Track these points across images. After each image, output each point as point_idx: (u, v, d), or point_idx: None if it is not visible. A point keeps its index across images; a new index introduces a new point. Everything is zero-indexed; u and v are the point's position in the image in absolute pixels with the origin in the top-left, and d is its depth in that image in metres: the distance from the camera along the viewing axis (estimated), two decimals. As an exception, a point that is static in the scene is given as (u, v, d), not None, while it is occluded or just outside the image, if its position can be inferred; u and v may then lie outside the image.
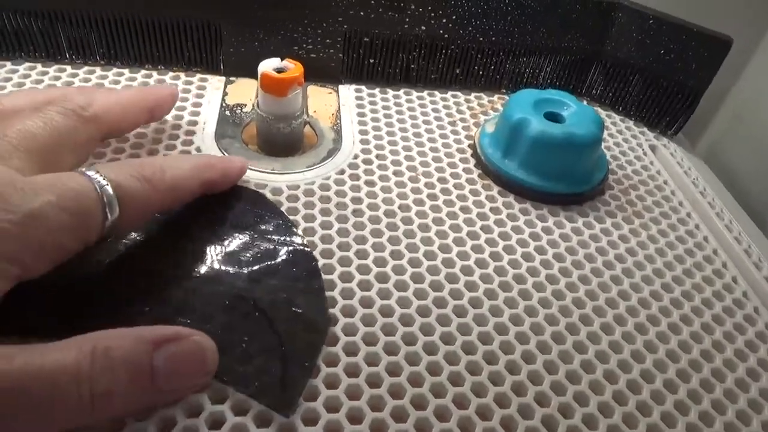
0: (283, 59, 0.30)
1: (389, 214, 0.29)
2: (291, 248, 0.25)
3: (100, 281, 0.22)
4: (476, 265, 0.27)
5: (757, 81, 0.48)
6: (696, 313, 0.26)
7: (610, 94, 0.40)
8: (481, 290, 0.26)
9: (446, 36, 0.37)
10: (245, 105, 0.34)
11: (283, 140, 0.31)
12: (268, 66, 0.30)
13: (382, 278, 0.25)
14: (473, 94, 0.39)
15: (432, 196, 0.30)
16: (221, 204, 0.26)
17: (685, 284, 0.28)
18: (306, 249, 0.25)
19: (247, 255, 0.24)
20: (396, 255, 0.26)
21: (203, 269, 0.23)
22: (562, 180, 0.31)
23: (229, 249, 0.24)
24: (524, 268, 0.27)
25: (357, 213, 0.28)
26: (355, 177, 0.30)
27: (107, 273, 0.23)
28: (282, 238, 0.25)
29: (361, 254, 0.26)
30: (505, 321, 0.24)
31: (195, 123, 0.32)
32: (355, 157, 0.32)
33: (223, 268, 0.23)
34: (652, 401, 0.22)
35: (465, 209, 0.30)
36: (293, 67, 0.30)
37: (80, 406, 0.16)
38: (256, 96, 0.31)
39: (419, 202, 0.30)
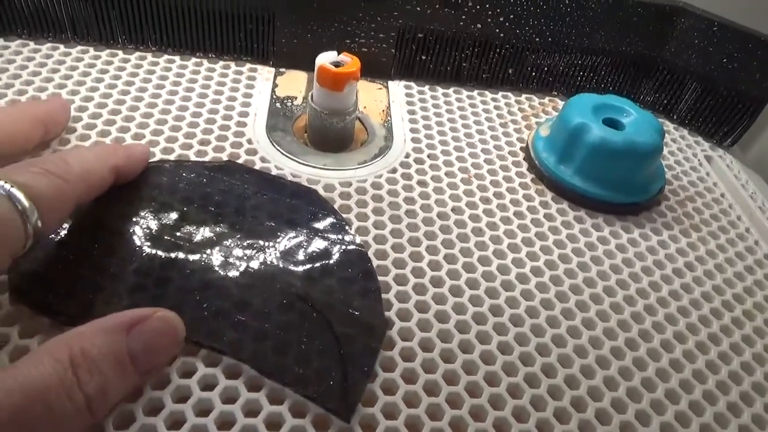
0: (340, 53, 0.30)
1: (442, 216, 0.28)
2: (345, 248, 0.25)
3: (155, 271, 0.22)
4: (532, 273, 0.26)
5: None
6: (758, 334, 0.26)
7: (665, 101, 0.39)
8: (537, 299, 0.25)
9: (501, 35, 0.36)
10: (296, 98, 0.34)
11: (336, 136, 0.31)
12: (325, 59, 0.29)
13: (437, 282, 0.25)
14: (524, 96, 0.38)
15: (485, 200, 0.30)
16: (275, 200, 0.26)
17: (745, 303, 0.27)
18: (361, 249, 0.25)
19: (303, 253, 0.24)
20: (450, 259, 0.26)
21: (258, 265, 0.23)
22: (619, 189, 0.30)
23: (284, 246, 0.24)
24: (580, 279, 0.26)
25: (410, 214, 0.28)
26: (407, 176, 0.30)
27: (163, 264, 0.22)
28: (336, 237, 0.25)
29: (415, 257, 0.26)
30: (563, 332, 0.24)
31: (246, 114, 0.32)
32: (407, 156, 0.31)
33: (279, 265, 0.23)
34: (726, 413, 0.22)
35: (519, 214, 0.29)
36: (350, 62, 0.29)
37: (79, 413, 0.16)
38: (309, 89, 0.30)
39: (472, 205, 0.29)
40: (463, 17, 0.35)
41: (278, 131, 0.31)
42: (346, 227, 0.26)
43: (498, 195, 0.30)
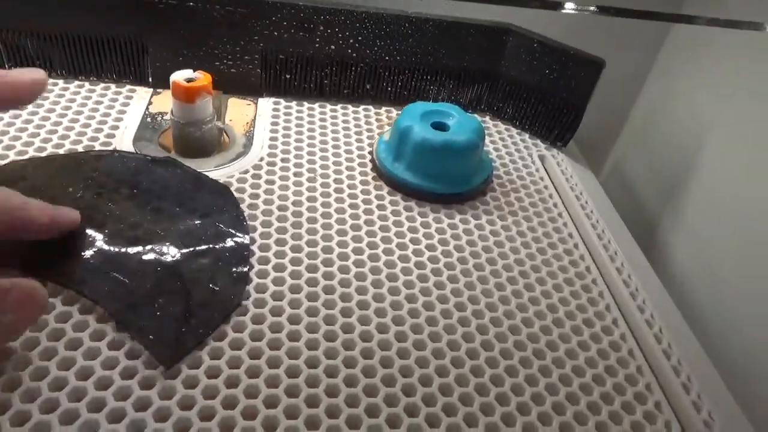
0: (196, 71, 0.34)
1: (282, 208, 0.32)
2: (232, 238, 0.29)
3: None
4: (353, 253, 0.30)
5: (649, 102, 0.53)
6: (562, 303, 0.30)
7: (509, 110, 0.44)
8: (352, 273, 0.29)
9: (354, 55, 0.41)
10: (166, 113, 0.38)
11: (195, 143, 0.35)
12: (179, 76, 0.33)
13: (296, 270, 0.29)
14: (383, 108, 0.43)
15: (325, 194, 0.34)
16: (189, 190, 0.31)
17: (552, 266, 0.32)
18: (244, 241, 0.29)
19: (193, 236, 0.28)
20: (296, 249, 0.30)
21: (151, 239, 0.28)
22: (442, 181, 0.35)
23: (181, 228, 0.29)
24: (396, 256, 0.31)
25: (252, 207, 0.32)
26: (257, 176, 0.34)
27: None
28: (228, 229, 0.29)
29: (264, 248, 0.30)
30: (386, 306, 0.28)
31: (117, 128, 0.36)
32: (261, 159, 0.35)
33: (168, 242, 0.28)
34: (513, 351, 0.26)
35: (354, 206, 0.33)
36: (202, 77, 0.34)
37: None
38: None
39: (312, 199, 0.33)
40: (317, 40, 0.40)
41: (144, 141, 0.35)
42: (243, 222, 0.30)
43: (338, 190, 0.34)
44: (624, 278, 0.32)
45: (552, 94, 0.41)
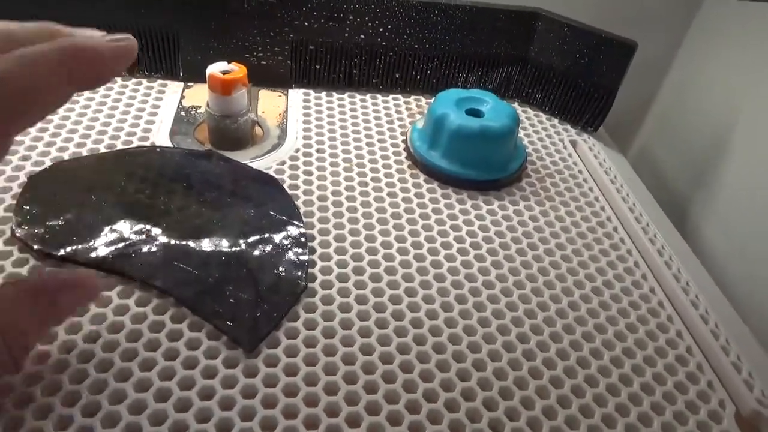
0: (230, 63, 0.34)
1: (322, 198, 0.32)
2: (288, 224, 0.29)
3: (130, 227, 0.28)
4: (395, 241, 0.30)
5: (677, 85, 0.53)
6: (606, 286, 0.30)
7: (538, 96, 0.44)
8: (397, 261, 0.29)
9: (384, 44, 0.41)
10: (200, 107, 0.38)
11: (231, 136, 0.35)
12: (215, 68, 0.33)
13: (325, 257, 0.29)
14: (413, 97, 0.43)
15: (363, 183, 0.34)
16: (237, 180, 0.31)
17: (593, 250, 0.32)
18: (300, 227, 0.29)
19: (251, 225, 0.29)
20: (339, 238, 0.30)
21: (210, 229, 0.28)
22: (479, 168, 0.35)
23: (236, 218, 0.29)
24: (438, 243, 0.31)
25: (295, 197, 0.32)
26: (294, 167, 0.34)
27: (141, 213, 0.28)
28: (282, 217, 0.30)
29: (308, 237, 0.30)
30: (433, 292, 0.28)
31: (152, 122, 0.36)
32: (297, 150, 0.36)
33: (227, 232, 0.28)
34: (550, 342, 0.26)
35: (392, 194, 0.33)
36: (237, 69, 0.34)
37: None
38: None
39: (350, 189, 0.33)
40: (347, 29, 0.40)
41: (180, 135, 0.35)
42: (295, 209, 0.31)
43: (375, 179, 0.34)
44: (666, 260, 0.32)
45: (582, 79, 0.41)
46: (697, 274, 0.32)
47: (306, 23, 0.39)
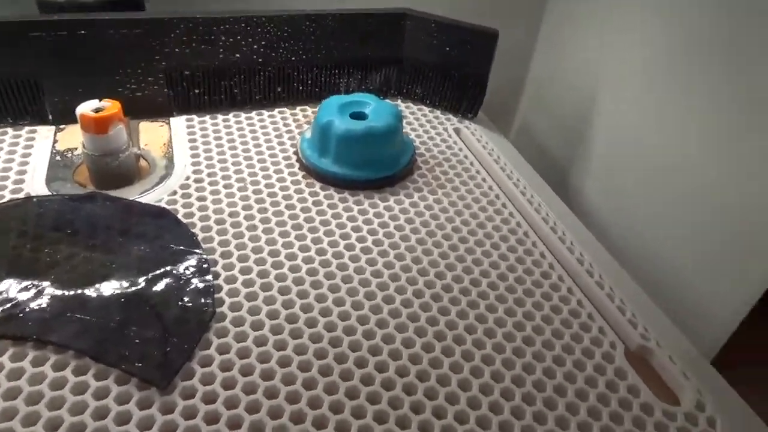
0: (101, 100, 0.33)
1: (219, 222, 0.32)
2: (187, 254, 0.29)
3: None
4: (300, 251, 0.31)
5: (543, 65, 0.57)
6: (502, 258, 0.32)
7: (417, 91, 0.46)
8: (304, 270, 0.30)
9: (261, 60, 0.41)
10: (76, 148, 0.36)
11: (113, 174, 0.34)
12: (86, 108, 0.32)
13: (230, 280, 0.29)
14: (298, 108, 0.44)
15: (260, 200, 0.34)
16: (126, 219, 0.30)
17: (485, 228, 0.34)
18: (200, 254, 0.29)
19: (148, 261, 0.28)
20: (226, 255, 0.30)
21: (104, 273, 0.27)
22: (371, 168, 0.36)
23: (130, 257, 0.28)
24: (342, 246, 0.32)
25: (189, 226, 0.31)
26: (186, 195, 0.34)
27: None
28: (179, 247, 0.29)
29: (210, 263, 0.29)
30: (326, 293, 0.29)
31: (24, 172, 0.34)
32: (187, 178, 0.35)
33: (122, 273, 0.27)
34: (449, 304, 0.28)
35: (290, 206, 0.34)
36: (110, 105, 0.33)
37: None
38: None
39: (248, 207, 0.33)
40: (221, 50, 0.39)
41: (59, 180, 0.34)
42: (192, 237, 0.30)
43: (272, 194, 0.35)
44: (551, 226, 0.35)
45: (455, 70, 0.44)
46: (580, 233, 0.35)
47: (177, 49, 0.38)
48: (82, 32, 0.36)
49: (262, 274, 0.29)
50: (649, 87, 0.43)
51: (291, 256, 0.30)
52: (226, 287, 0.28)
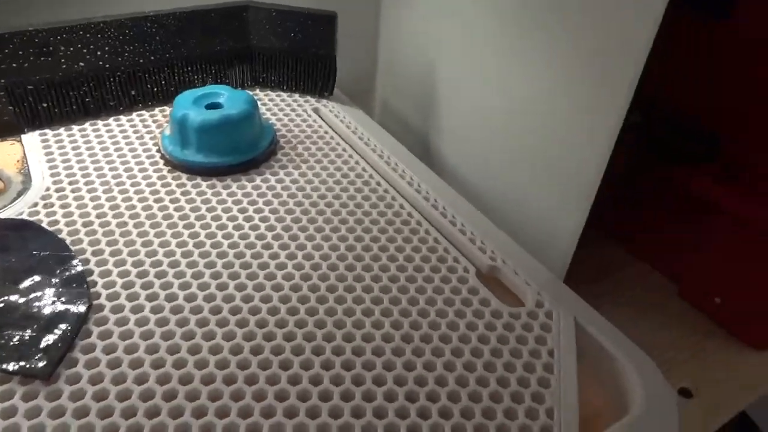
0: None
1: (90, 233, 0.32)
2: (54, 256, 0.29)
3: None
4: (177, 247, 0.32)
5: (390, 42, 0.62)
6: (373, 223, 0.36)
7: (273, 78, 0.48)
8: (183, 264, 0.31)
9: (107, 66, 0.41)
10: None
11: (-34, 196, 0.33)
12: None
13: (109, 285, 0.30)
14: (157, 109, 0.44)
15: (127, 199, 0.35)
16: None
17: (356, 200, 0.37)
18: (71, 255, 0.30)
19: (14, 270, 0.28)
20: (104, 272, 0.31)
21: None
22: (233, 153, 0.38)
23: (8, 270, 0.28)
24: (220, 236, 0.33)
25: (70, 233, 0.32)
26: (49, 205, 0.34)
27: None
28: (47, 253, 0.30)
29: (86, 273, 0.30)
30: (208, 281, 0.31)
31: None
32: (47, 190, 0.35)
33: None
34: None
35: (158, 200, 0.35)
36: (-52, 128, 0.32)
37: None
38: None
39: (115, 207, 0.34)
40: (63, 60, 0.39)
41: None
42: (61, 243, 0.31)
43: (139, 192, 0.36)
44: (416, 188, 0.39)
45: (303, 53, 0.46)
46: (438, 187, 0.39)
47: (14, 64, 0.38)
48: None
49: (141, 274, 0.30)
50: (479, 46, 0.49)
51: (169, 253, 0.32)
52: (104, 292, 0.29)
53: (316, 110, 0.47)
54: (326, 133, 0.44)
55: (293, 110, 0.46)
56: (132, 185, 0.36)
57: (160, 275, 0.30)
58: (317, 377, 0.26)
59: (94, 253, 0.31)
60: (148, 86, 0.44)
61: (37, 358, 0.24)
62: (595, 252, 0.56)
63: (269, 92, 0.49)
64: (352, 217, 0.36)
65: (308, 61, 0.47)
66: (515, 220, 0.48)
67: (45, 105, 0.40)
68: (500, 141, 0.49)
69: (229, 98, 0.39)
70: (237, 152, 0.38)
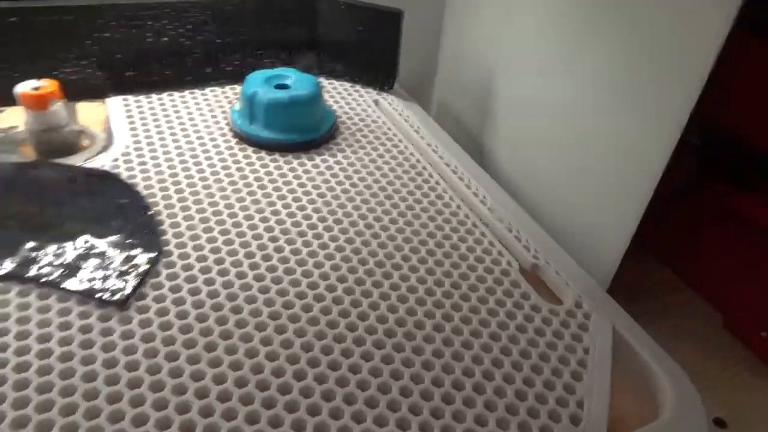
0: (39, 79, 0.35)
1: (163, 189, 0.35)
2: (133, 205, 0.33)
3: None
4: (240, 211, 0.34)
5: (453, 43, 0.63)
6: (424, 210, 0.37)
7: (338, 68, 0.51)
8: (245, 225, 0.33)
9: (188, 43, 0.44)
10: (18, 126, 0.38)
11: (57, 147, 0.36)
12: (25, 87, 0.35)
13: (178, 235, 0.32)
14: (228, 87, 0.47)
15: (197, 164, 0.38)
16: (73, 178, 0.34)
17: (402, 193, 0.39)
18: (145, 204, 0.33)
19: (98, 211, 0.32)
20: (174, 224, 0.33)
21: (59, 222, 0.31)
22: (296, 131, 0.40)
23: (83, 209, 0.32)
24: (279, 205, 0.36)
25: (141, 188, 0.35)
26: (128, 162, 0.37)
27: None
28: (125, 201, 0.33)
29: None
30: (266, 243, 0.33)
31: (-33, 149, 0.36)
32: (126, 147, 0.38)
33: (76, 222, 0.31)
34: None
35: (225, 168, 0.38)
36: (48, 84, 0.35)
37: None
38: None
39: (187, 170, 0.37)
40: (149, 34, 0.42)
41: (3, 154, 0.36)
42: (137, 194, 0.34)
43: (208, 158, 0.38)
44: (466, 183, 0.40)
45: (368, 47, 0.48)
46: (489, 186, 0.40)
47: (107, 34, 0.41)
48: (13, 19, 0.38)
49: (207, 230, 0.33)
50: (542, 55, 0.50)
51: (232, 214, 0.34)
52: (173, 240, 0.31)
53: (376, 102, 0.49)
54: (384, 124, 0.46)
55: (354, 100, 0.48)
56: (202, 152, 0.39)
57: (224, 233, 0.32)
58: (380, 342, 0.28)
59: (166, 207, 0.33)
60: (223, 65, 0.47)
61: (114, 289, 0.27)
62: (641, 271, 0.56)
63: (334, 81, 0.51)
64: (404, 202, 0.37)
65: (372, 54, 0.49)
66: (562, 228, 0.48)
67: (130, 74, 0.43)
68: (555, 149, 0.49)
69: (296, 80, 0.41)
70: (300, 131, 0.40)
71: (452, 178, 0.40)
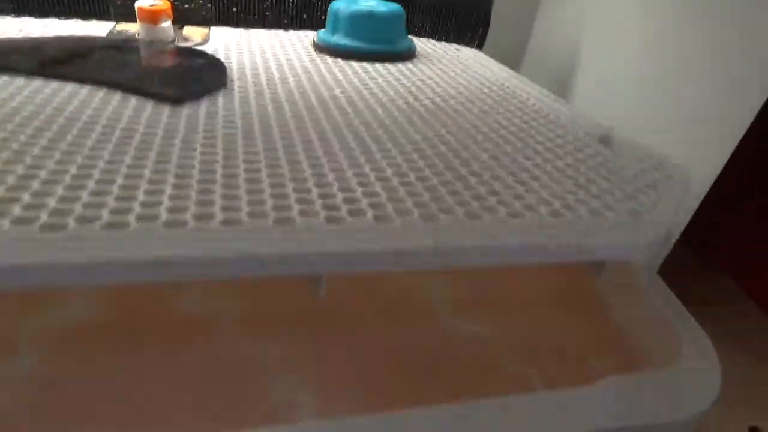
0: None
1: (253, 66, 0.37)
2: (216, 65, 0.37)
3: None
4: (330, 99, 0.35)
5: (541, 32, 0.63)
6: (489, 107, 0.36)
7: (428, 28, 0.52)
8: (313, 99, 0.34)
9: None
10: (128, 30, 0.43)
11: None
12: (143, 2, 0.39)
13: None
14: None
15: (279, 66, 0.39)
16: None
17: (476, 102, 0.38)
18: (224, 68, 0.37)
19: (194, 56, 0.37)
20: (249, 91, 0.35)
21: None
22: (375, 42, 0.41)
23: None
24: (350, 90, 0.36)
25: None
26: (218, 53, 0.39)
27: None
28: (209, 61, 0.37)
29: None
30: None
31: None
32: (219, 48, 0.41)
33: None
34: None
35: (305, 69, 0.39)
36: (161, 4, 0.40)
37: None
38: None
39: (267, 69, 0.39)
40: (258, -28, 0.47)
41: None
42: (223, 65, 0.37)
43: (289, 62, 0.40)
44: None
45: (460, 6, 0.50)
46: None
47: (220, -31, 0.46)
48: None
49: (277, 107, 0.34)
50: (630, 55, 0.48)
51: (303, 94, 0.35)
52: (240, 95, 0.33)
53: (458, 50, 0.49)
54: (465, 59, 0.46)
55: (440, 47, 0.49)
56: (286, 60, 0.41)
57: (292, 104, 0.33)
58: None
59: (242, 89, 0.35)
60: (318, 14, 0.50)
61: (174, 91, 0.29)
62: (696, 277, 0.49)
63: (422, 40, 0.52)
64: (478, 108, 0.36)
65: (463, 12, 0.50)
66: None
67: (235, 9, 0.48)
68: (634, 136, 0.46)
69: (378, 4, 0.43)
70: (378, 41, 0.41)
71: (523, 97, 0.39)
